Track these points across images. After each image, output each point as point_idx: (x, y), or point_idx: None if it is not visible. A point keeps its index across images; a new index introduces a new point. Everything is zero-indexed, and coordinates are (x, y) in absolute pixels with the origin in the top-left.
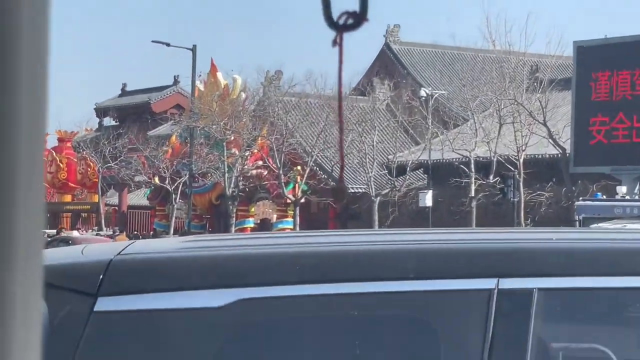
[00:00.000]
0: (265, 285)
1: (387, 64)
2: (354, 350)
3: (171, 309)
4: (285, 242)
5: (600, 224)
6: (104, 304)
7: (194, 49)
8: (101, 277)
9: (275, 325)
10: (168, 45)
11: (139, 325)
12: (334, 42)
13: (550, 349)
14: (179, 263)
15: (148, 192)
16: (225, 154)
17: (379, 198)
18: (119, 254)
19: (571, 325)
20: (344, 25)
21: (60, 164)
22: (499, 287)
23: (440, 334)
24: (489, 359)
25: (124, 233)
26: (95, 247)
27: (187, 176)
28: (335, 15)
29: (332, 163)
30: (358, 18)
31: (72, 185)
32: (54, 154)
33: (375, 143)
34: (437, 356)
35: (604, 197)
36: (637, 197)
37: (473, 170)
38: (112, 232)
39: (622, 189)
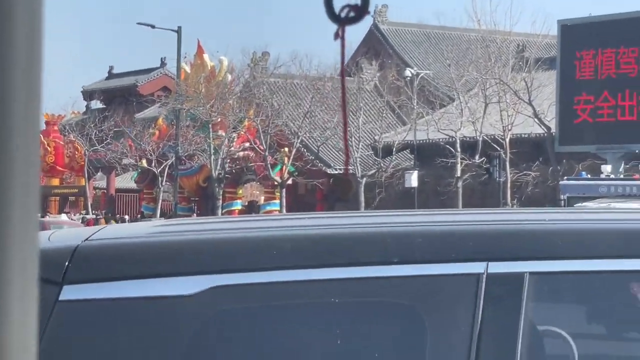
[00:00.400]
0: (241, 272)
1: (375, 44)
2: (336, 339)
3: (140, 297)
4: (263, 226)
5: (584, 203)
6: (69, 292)
7: (179, 31)
8: (66, 264)
9: (251, 313)
10: (153, 27)
11: (107, 315)
12: (336, 35)
13: (543, 335)
14: (149, 248)
15: (135, 175)
16: (211, 135)
17: (365, 179)
18: (86, 239)
19: (565, 310)
20: (346, 18)
21: (48, 147)
22: (488, 271)
23: (426, 320)
24: (477, 347)
25: (109, 216)
26: (63, 232)
27: (174, 158)
28: (337, 8)
29: (319, 144)
30: (360, 11)
31: (60, 168)
32: (42, 137)
33: (361, 124)
34: (423, 344)
35: (589, 176)
36: (622, 176)
37: (459, 150)
38: (95, 216)
39: (606, 168)
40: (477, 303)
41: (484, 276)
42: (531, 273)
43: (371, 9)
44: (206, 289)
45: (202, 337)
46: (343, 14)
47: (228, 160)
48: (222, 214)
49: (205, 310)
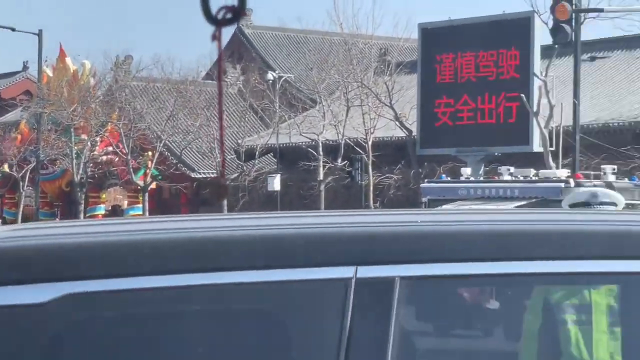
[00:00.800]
0: (96, 278)
1: (240, 48)
2: (195, 349)
3: None
4: (122, 230)
5: (444, 206)
6: None
7: (39, 34)
8: None
9: (107, 322)
10: (13, 30)
11: None
12: (213, 37)
13: (415, 343)
14: None
15: None
16: (73, 140)
17: (228, 183)
18: None
19: (439, 316)
20: (223, 19)
21: None
22: (357, 275)
23: (292, 328)
24: (346, 355)
25: None
26: None
27: (35, 163)
28: (214, 9)
29: (182, 147)
30: (236, 12)
31: None
32: None
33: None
34: (288, 353)
35: (449, 178)
36: (481, 179)
37: (321, 153)
38: None
39: (466, 171)
40: (345, 309)
41: (353, 281)
42: (402, 277)
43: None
44: (60, 297)
45: (56, 347)
46: (220, 16)
47: (91, 165)
48: (85, 219)
49: (59, 319)
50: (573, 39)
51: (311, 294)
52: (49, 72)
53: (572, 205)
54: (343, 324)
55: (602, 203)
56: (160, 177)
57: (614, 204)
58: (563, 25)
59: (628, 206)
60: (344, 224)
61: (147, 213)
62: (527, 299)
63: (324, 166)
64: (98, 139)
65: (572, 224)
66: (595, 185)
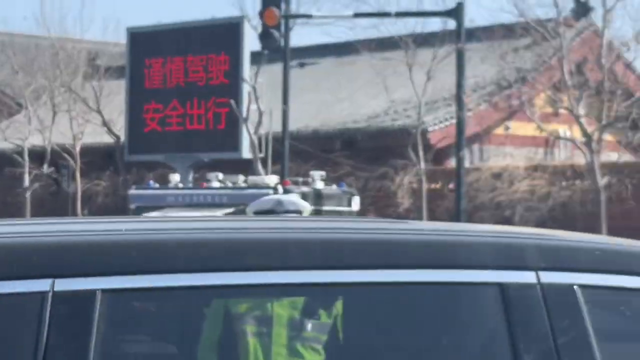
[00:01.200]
0: None
1: None
2: None
3: None
4: None
5: (150, 213)
6: None
7: None
8: None
9: None
10: None
11: None
12: None
13: (116, 359)
14: None
15: None
16: None
17: None
18: None
19: (142, 330)
20: None
21: None
22: (55, 289)
23: None
24: None
25: None
26: None
27: None
28: None
29: None
30: None
31: None
32: None
33: None
34: None
35: (157, 185)
36: (191, 185)
37: (27, 159)
38: None
39: (175, 177)
40: (41, 327)
41: (50, 295)
42: (104, 290)
43: None
44: None
45: None
46: None
47: None
48: None
49: None
50: (283, 44)
51: (2, 310)
52: None
53: (257, 213)
54: (38, 341)
55: (287, 211)
56: None
57: (300, 212)
58: (272, 30)
59: (317, 213)
60: (40, 233)
61: None
62: (209, 309)
63: (30, 173)
64: None
65: (255, 233)
66: (303, 192)
